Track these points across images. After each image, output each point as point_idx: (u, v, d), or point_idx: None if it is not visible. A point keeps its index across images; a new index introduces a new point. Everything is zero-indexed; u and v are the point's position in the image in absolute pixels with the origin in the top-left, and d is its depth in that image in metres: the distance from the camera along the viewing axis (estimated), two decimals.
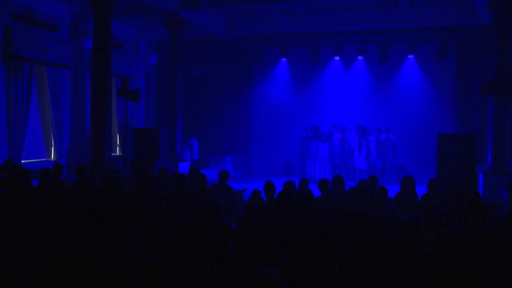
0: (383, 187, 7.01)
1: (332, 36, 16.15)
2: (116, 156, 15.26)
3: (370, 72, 16.47)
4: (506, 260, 3.88)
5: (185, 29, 14.08)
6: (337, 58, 16.66)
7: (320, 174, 14.58)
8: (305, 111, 17.19)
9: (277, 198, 6.16)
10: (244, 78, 17.93)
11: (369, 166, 14.44)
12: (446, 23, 14.30)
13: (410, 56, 15.87)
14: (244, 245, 4.48)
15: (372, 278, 3.94)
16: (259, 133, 18.09)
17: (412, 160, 15.43)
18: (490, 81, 10.55)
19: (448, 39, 15.33)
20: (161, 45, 17.51)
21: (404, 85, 16.14)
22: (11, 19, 11.67)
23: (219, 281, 4.06)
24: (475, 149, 9.99)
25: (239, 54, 17.48)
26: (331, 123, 15.96)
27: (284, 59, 17.38)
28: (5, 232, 4.15)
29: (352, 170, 14.98)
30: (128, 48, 16.34)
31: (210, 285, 4.03)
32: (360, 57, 16.44)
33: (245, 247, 4.33)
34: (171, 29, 13.97)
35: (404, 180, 7.82)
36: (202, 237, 4.55)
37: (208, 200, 5.95)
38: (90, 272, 3.71)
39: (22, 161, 11.62)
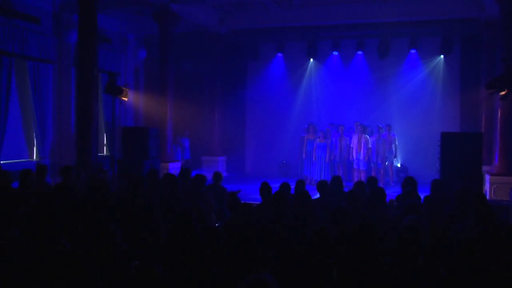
0: (381, 188, 7.02)
1: (330, 30, 16.13)
2: (103, 156, 15.20)
3: (370, 68, 16.46)
4: None
5: (176, 22, 14.04)
6: (335, 53, 16.64)
7: (318, 175, 14.59)
8: (302, 108, 17.19)
9: (270, 200, 6.16)
10: (238, 74, 17.90)
11: (369, 166, 14.45)
12: (451, 15, 14.27)
13: (412, 51, 15.85)
14: (234, 249, 4.48)
15: (372, 283, 3.94)
16: (253, 132, 18.07)
17: (414, 160, 15.47)
18: (497, 76, 10.58)
19: (452, 33, 15.31)
20: (151, 40, 17.44)
21: (406, 82, 16.13)
22: None
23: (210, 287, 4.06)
24: (481, 149, 10.01)
25: (232, 49, 17.44)
26: (329, 121, 15.96)
27: (280, 54, 17.33)
28: None
29: (351, 170, 14.99)
30: (115, 42, 16.28)
31: None
32: (359, 52, 16.41)
33: (235, 251, 4.33)
34: (161, 22, 13.92)
35: (405, 181, 7.83)
36: (186, 243, 4.55)
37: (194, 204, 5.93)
38: (75, 279, 3.69)
39: (2, 162, 11.54)
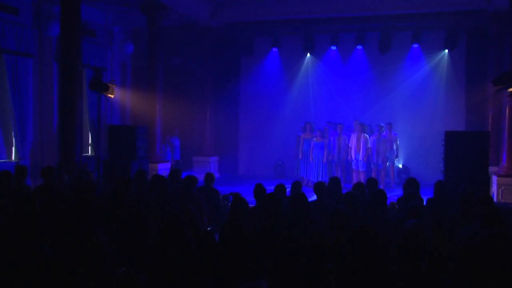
0: (382, 190, 7.02)
1: (329, 23, 16.11)
2: (88, 156, 15.15)
3: (370, 63, 16.46)
4: None
5: (165, 15, 14.01)
6: (333, 47, 16.63)
7: (315, 176, 14.60)
8: (298, 106, 17.19)
9: (262, 203, 6.16)
10: (230, 70, 17.89)
11: (368, 167, 14.47)
12: (456, 7, 14.23)
13: (415, 45, 15.86)
14: (228, 255, 4.48)
15: None
16: (247, 131, 18.06)
17: (416, 160, 15.49)
18: (505, 72, 10.61)
19: (457, 26, 15.29)
20: (138, 33, 17.40)
21: (408, 78, 16.17)
22: None
23: None
24: (487, 148, 10.04)
25: (225, 44, 17.41)
26: (326, 120, 15.97)
27: (275, 49, 17.32)
28: None
29: (350, 171, 15.01)
30: (100, 35, 16.20)
31: None
32: (359, 47, 16.40)
33: (229, 258, 4.33)
34: (149, 14, 13.89)
35: (407, 183, 7.84)
36: (176, 248, 4.53)
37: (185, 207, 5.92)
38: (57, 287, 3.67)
39: None
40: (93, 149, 15.70)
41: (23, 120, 13.07)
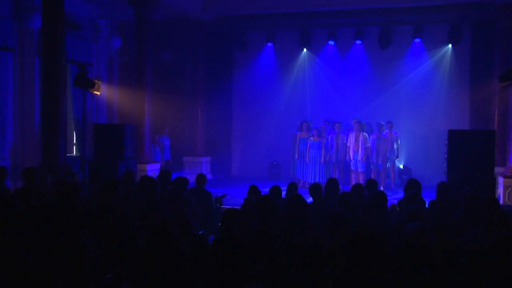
0: (382, 191, 7.03)
1: (326, 17, 16.10)
2: (72, 157, 15.09)
3: (369, 59, 16.47)
4: None
5: (154, 7, 13.95)
6: (331, 42, 16.65)
7: (312, 177, 14.60)
8: (294, 104, 17.19)
9: (256, 205, 6.15)
10: (223, 66, 17.87)
11: (368, 167, 14.48)
12: None
13: (417, 40, 15.88)
14: (222, 260, 4.46)
15: None
16: (241, 130, 18.06)
17: (418, 161, 15.52)
18: None
19: (462, 19, 15.28)
20: (126, 27, 17.33)
21: (410, 74, 16.19)
22: None
23: None
24: (493, 148, 10.06)
25: (217, 38, 17.41)
26: (324, 118, 15.97)
27: (270, 44, 17.35)
28: None
29: (348, 172, 15.02)
30: (85, 29, 16.12)
31: None
32: (358, 42, 16.43)
33: (223, 262, 4.31)
34: (138, 7, 13.83)
35: (409, 184, 7.85)
36: (165, 254, 4.52)
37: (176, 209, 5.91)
38: None
39: None
40: (78, 149, 15.63)
41: (2, 118, 12.97)
